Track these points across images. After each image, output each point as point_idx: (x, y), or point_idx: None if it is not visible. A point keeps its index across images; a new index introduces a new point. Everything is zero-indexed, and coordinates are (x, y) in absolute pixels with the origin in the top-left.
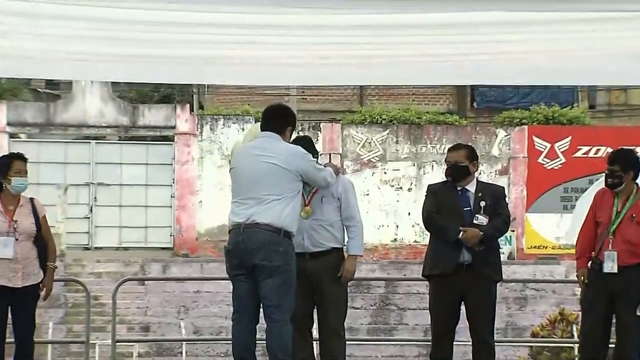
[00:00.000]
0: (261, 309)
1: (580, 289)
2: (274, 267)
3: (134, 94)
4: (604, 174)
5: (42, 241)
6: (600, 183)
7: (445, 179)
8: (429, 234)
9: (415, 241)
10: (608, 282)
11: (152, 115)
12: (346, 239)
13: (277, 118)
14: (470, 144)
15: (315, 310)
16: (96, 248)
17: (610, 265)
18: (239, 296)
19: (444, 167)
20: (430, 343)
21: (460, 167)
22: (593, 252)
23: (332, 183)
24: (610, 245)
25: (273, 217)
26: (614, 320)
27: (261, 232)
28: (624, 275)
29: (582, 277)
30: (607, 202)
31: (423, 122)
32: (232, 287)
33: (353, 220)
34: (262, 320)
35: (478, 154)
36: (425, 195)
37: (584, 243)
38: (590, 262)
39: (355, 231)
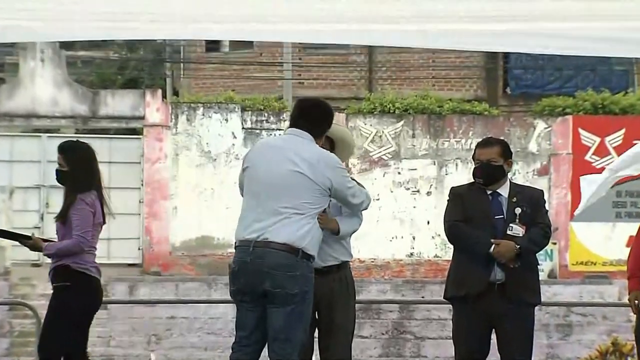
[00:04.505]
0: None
1: (634, 315)
2: (288, 296)
3: (94, 78)
4: None
5: None
6: None
7: (472, 181)
8: (452, 247)
9: (435, 256)
10: None
11: (116, 103)
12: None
13: (318, 118)
14: (503, 138)
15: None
16: (48, 264)
17: None
18: (243, 325)
19: (471, 166)
20: None
21: (493, 167)
22: None
23: (367, 207)
24: None
25: (291, 235)
26: None
27: (274, 253)
28: None
29: (636, 301)
30: None
31: (445, 112)
32: (236, 312)
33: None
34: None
35: (512, 150)
36: (448, 200)
37: (636, 260)
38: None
39: (354, 219)
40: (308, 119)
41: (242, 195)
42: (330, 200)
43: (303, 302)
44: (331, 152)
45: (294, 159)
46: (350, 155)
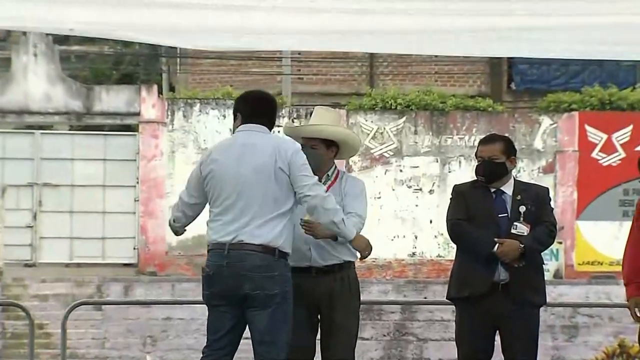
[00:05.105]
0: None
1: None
2: (269, 297)
3: (88, 73)
4: None
5: None
6: None
7: (475, 178)
8: (455, 246)
9: (438, 256)
10: None
11: (111, 99)
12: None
13: (270, 111)
14: (506, 134)
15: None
16: (41, 264)
17: None
18: (217, 329)
19: (474, 163)
20: None
21: (495, 165)
22: None
23: (327, 210)
24: None
25: (265, 235)
26: None
27: (251, 255)
28: None
29: (636, 309)
30: None
31: (448, 108)
32: (207, 315)
33: (357, 207)
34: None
35: (517, 147)
36: (451, 199)
37: (633, 264)
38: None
39: (352, 221)
40: (263, 114)
41: (188, 197)
42: None
43: (284, 302)
44: (334, 154)
45: (261, 155)
46: (354, 154)
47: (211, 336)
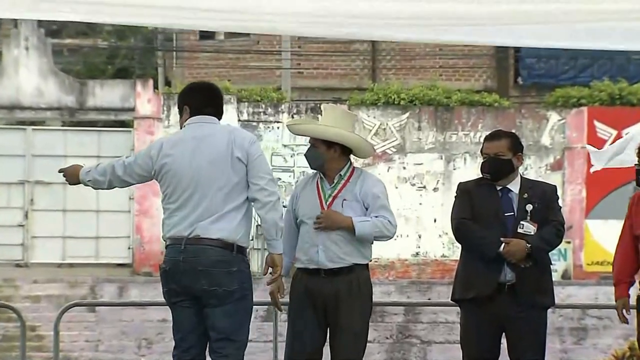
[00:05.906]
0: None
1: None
2: (227, 293)
3: (81, 67)
4: None
5: None
6: None
7: (480, 176)
8: (460, 246)
9: (442, 256)
10: None
11: (105, 94)
12: (372, 254)
13: (219, 102)
14: (513, 131)
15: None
16: (33, 265)
17: None
18: (181, 327)
19: (480, 160)
20: None
21: (501, 162)
22: (636, 275)
23: (272, 204)
24: None
25: (223, 229)
26: None
27: (209, 250)
28: None
29: (623, 309)
30: None
31: (453, 103)
32: (171, 315)
33: (384, 213)
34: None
35: (523, 143)
36: (456, 197)
37: (622, 264)
38: (632, 288)
39: (380, 220)
40: (213, 105)
41: (124, 174)
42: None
43: (244, 299)
44: (339, 153)
45: (216, 147)
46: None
47: (177, 335)
